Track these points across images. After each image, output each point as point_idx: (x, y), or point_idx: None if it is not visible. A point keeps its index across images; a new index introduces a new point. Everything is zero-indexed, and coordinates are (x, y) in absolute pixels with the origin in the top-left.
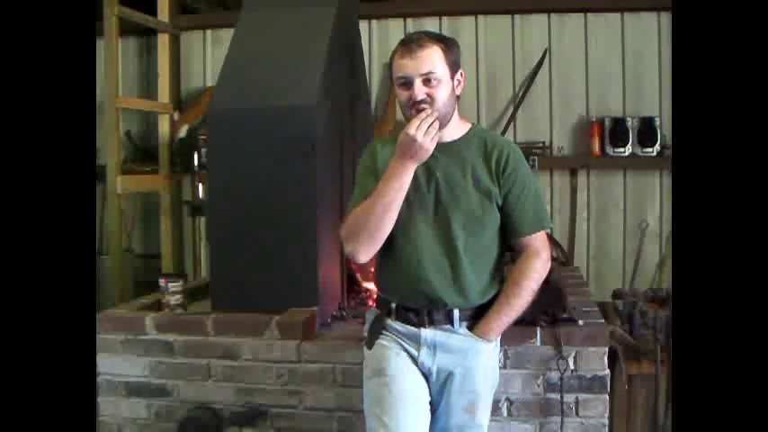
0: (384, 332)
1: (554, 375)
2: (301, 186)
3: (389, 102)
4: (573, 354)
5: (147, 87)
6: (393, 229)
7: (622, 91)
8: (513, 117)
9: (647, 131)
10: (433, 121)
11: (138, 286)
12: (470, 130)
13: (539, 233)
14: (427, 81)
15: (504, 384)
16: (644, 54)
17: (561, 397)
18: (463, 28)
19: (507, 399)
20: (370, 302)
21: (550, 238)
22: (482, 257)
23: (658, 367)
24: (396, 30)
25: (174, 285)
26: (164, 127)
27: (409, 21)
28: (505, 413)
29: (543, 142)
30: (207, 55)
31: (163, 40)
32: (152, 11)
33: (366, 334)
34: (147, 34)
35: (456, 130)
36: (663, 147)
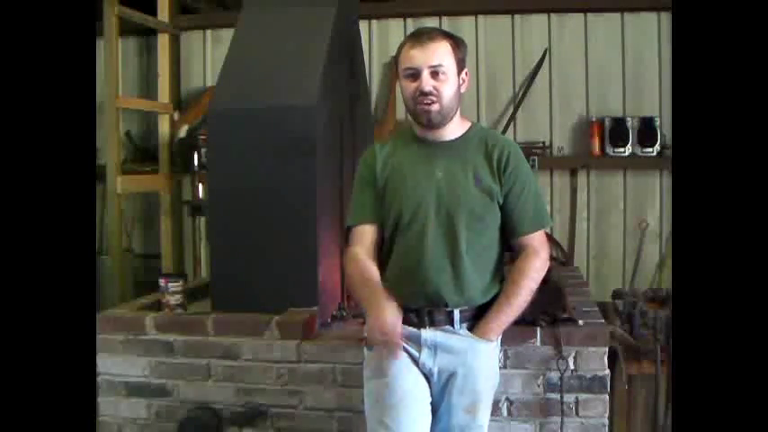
0: None
1: (554, 375)
2: (301, 186)
3: (389, 102)
4: (573, 354)
5: (147, 87)
6: (394, 229)
7: (622, 91)
8: (513, 117)
9: (647, 131)
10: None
11: (138, 286)
12: (470, 128)
13: (538, 232)
14: (435, 74)
15: (504, 384)
16: (644, 54)
17: (561, 397)
18: (463, 28)
19: (507, 399)
20: None
21: (550, 237)
22: (483, 257)
23: (658, 367)
24: (396, 30)
25: (174, 285)
26: (164, 127)
27: (409, 21)
28: (505, 413)
29: (543, 142)
30: (207, 55)
31: (163, 40)
32: (152, 11)
33: (366, 334)
34: (147, 34)
35: (457, 129)
36: (663, 147)
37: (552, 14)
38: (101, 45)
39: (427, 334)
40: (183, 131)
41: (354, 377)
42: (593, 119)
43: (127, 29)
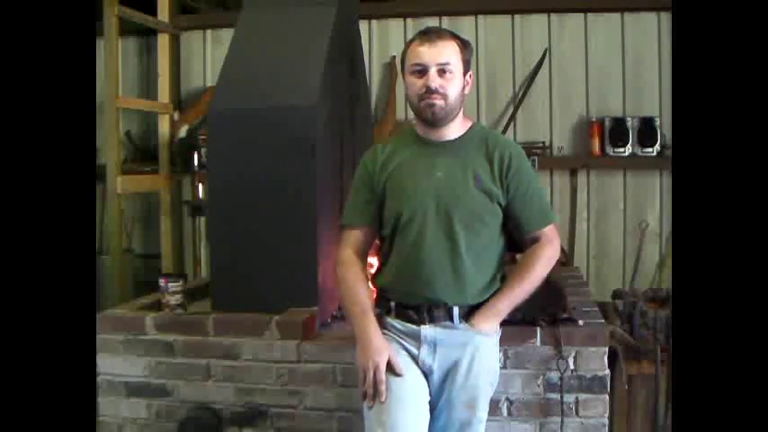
0: (384, 331)
1: (554, 375)
2: (301, 186)
3: (389, 102)
4: (573, 354)
5: (147, 87)
6: (393, 228)
7: (622, 91)
8: (513, 117)
9: (647, 131)
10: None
11: (138, 286)
12: (471, 128)
13: (548, 227)
14: (442, 72)
15: (504, 384)
16: (644, 54)
17: (561, 397)
18: (463, 28)
19: (507, 399)
20: None
21: None
22: (483, 256)
23: (658, 367)
24: (396, 30)
25: (174, 285)
26: (164, 127)
27: (409, 21)
28: (505, 413)
29: (543, 142)
30: (207, 55)
31: (163, 40)
32: (152, 11)
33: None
34: (147, 34)
35: (458, 129)
36: (663, 147)
37: (552, 14)
38: (101, 45)
39: (427, 331)
40: (182, 131)
41: (354, 377)
42: (593, 119)
43: (127, 29)
